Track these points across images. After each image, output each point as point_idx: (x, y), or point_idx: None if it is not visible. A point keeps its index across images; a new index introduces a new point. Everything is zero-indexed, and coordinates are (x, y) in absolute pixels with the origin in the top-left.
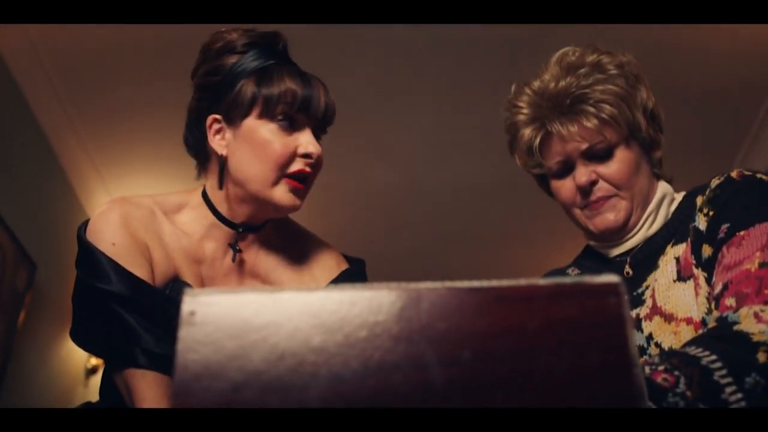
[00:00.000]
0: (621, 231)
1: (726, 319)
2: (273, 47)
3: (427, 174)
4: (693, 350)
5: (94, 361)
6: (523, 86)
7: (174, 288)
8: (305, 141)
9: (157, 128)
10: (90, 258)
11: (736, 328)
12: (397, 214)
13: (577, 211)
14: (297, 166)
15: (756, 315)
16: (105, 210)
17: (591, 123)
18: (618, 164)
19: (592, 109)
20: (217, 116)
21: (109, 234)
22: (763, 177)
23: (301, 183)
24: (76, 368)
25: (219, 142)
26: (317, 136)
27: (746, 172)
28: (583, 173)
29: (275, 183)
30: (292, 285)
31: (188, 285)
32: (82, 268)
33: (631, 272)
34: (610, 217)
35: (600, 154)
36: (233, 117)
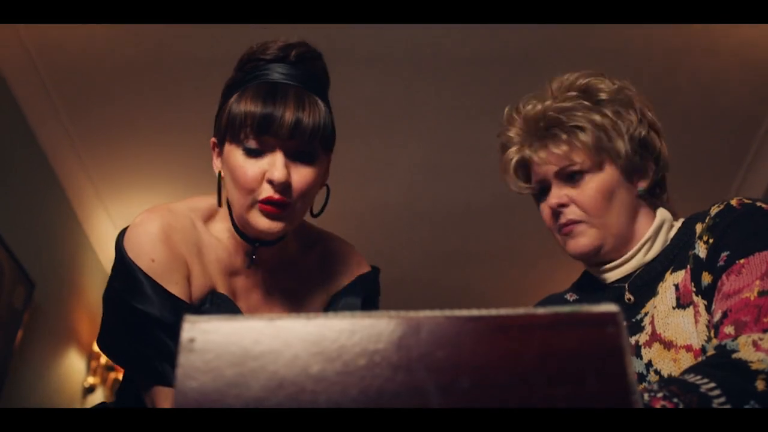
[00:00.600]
0: (596, 255)
1: (725, 347)
2: (283, 60)
3: (426, 194)
4: (692, 377)
5: (91, 380)
6: (512, 108)
7: (213, 301)
8: (271, 166)
9: (157, 145)
10: (130, 276)
11: (734, 356)
12: (396, 235)
13: (556, 234)
14: (265, 192)
15: (755, 343)
16: (144, 220)
17: (559, 149)
18: (588, 189)
19: (563, 135)
20: (214, 139)
21: (149, 248)
22: (763, 205)
23: (275, 207)
24: (74, 387)
25: (217, 163)
26: (307, 156)
27: (746, 200)
28: (554, 195)
29: (249, 208)
30: (317, 291)
31: (225, 297)
32: (121, 284)
33: (632, 299)
34: (581, 241)
35: (571, 177)
36: (220, 140)
